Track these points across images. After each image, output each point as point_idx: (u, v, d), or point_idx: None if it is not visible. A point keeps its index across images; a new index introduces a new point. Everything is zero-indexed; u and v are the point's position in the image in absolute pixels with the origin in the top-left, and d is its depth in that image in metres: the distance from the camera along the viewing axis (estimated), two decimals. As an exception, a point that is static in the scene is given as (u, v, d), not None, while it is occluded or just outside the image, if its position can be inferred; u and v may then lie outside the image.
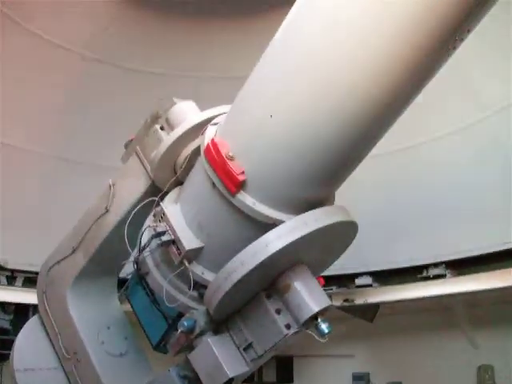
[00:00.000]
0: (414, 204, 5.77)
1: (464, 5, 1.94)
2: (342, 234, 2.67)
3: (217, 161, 2.47)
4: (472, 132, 5.47)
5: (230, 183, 2.44)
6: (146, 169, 3.12)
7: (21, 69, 5.66)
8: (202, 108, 3.01)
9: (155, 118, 3.16)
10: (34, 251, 4.65)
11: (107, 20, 6.02)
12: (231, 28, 6.10)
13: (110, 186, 3.26)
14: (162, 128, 3.12)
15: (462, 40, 2.09)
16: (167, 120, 3.10)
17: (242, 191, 2.46)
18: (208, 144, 2.55)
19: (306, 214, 2.46)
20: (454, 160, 5.63)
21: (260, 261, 2.36)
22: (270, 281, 2.56)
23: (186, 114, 3.05)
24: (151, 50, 6.19)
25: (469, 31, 2.07)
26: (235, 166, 2.43)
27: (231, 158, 2.45)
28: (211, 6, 6.05)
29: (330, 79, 2.17)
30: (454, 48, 2.11)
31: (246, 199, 2.47)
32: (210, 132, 2.67)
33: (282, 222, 2.45)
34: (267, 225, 2.46)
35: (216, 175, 2.49)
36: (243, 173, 2.43)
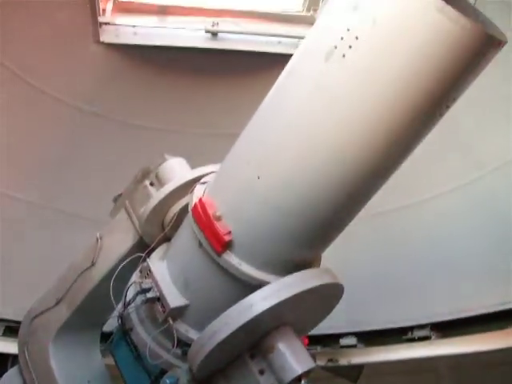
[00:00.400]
0: (405, 262, 5.74)
1: (449, 80, 2.01)
2: (328, 295, 2.69)
3: (204, 220, 2.50)
4: (471, 189, 5.46)
5: (216, 243, 2.46)
6: (134, 224, 3.13)
7: (21, 120, 5.68)
8: (203, 164, 3.05)
9: (145, 174, 3.20)
10: (16, 300, 4.64)
11: (108, 75, 6.08)
12: (233, 85, 6.16)
13: (98, 240, 3.26)
14: (151, 184, 3.15)
15: (448, 107, 2.16)
16: (157, 176, 3.14)
17: (228, 251, 2.48)
18: (196, 203, 2.59)
19: (293, 275, 2.48)
20: (450, 217, 5.63)
21: (244, 322, 2.36)
22: (254, 341, 2.55)
23: (176, 171, 3.11)
24: (151, 106, 6.22)
25: (454, 99, 2.13)
26: (222, 226, 2.45)
27: (218, 218, 2.48)
28: (213, 64, 6.13)
29: (317, 143, 2.21)
30: (441, 115, 2.18)
31: (232, 259, 2.49)
32: (199, 191, 2.71)
33: (267, 283, 2.47)
34: (253, 285, 2.48)
35: (203, 234, 2.51)
36: (230, 233, 2.45)
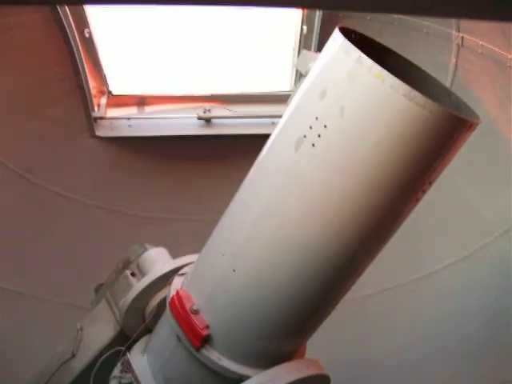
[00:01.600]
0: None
1: (422, 165, 2.01)
2: None
3: (181, 314, 2.49)
4: (475, 259, 5.40)
5: (193, 338, 2.44)
6: (114, 315, 3.13)
7: (23, 217, 5.70)
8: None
9: (126, 264, 3.23)
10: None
11: (106, 167, 6.20)
12: (230, 169, 6.20)
13: (78, 331, 3.24)
14: (132, 274, 3.18)
15: (424, 192, 2.14)
16: (138, 266, 3.17)
17: (207, 346, 2.46)
18: (173, 296, 2.58)
19: (273, 369, 2.46)
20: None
21: None
22: None
23: (156, 262, 3.13)
24: (151, 195, 6.29)
25: (430, 183, 2.12)
26: (199, 320, 2.44)
27: (195, 312, 2.46)
28: (208, 150, 6.24)
29: (289, 236, 2.21)
30: (418, 200, 2.15)
31: (211, 354, 2.46)
32: (176, 283, 2.70)
33: (248, 377, 2.44)
34: (235, 379, 2.46)
35: (180, 329, 2.50)
36: (207, 327, 2.43)
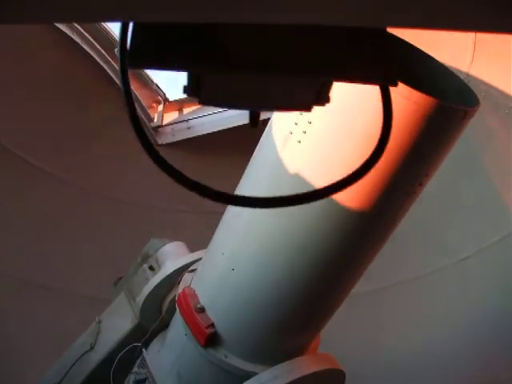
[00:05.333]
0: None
1: (415, 156, 1.93)
2: (325, 381, 2.61)
3: (187, 312, 2.50)
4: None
5: (199, 336, 2.46)
6: (132, 308, 3.13)
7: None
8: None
9: (145, 258, 3.24)
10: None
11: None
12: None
13: (97, 323, 3.27)
14: (151, 268, 3.17)
15: (422, 185, 2.07)
16: (157, 260, 3.16)
17: (213, 343, 2.46)
18: (179, 294, 2.60)
19: (279, 366, 2.45)
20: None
21: None
22: None
23: (173, 255, 3.12)
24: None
25: (428, 176, 2.05)
26: (203, 319, 2.45)
27: (200, 310, 2.47)
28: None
29: (283, 233, 2.20)
30: (415, 193, 2.08)
31: (218, 351, 2.47)
32: (185, 280, 2.72)
33: (255, 373, 2.44)
34: (243, 376, 2.45)
35: (187, 326, 2.51)
36: (212, 325, 2.44)
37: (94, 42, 5.45)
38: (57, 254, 5.68)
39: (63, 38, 5.14)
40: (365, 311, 5.43)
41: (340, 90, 1.89)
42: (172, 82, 6.37)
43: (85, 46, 5.34)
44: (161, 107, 6.36)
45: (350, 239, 2.15)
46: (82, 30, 5.29)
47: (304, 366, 2.49)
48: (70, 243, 5.80)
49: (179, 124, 6.34)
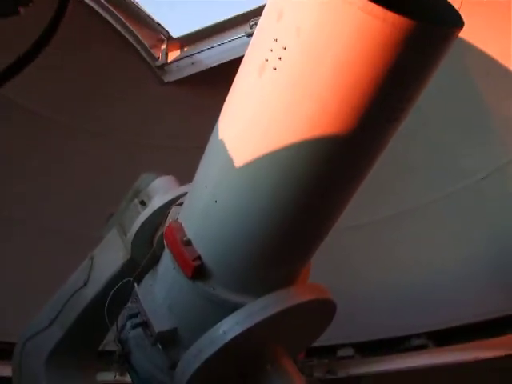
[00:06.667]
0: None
1: (391, 79, 1.83)
2: (316, 312, 2.63)
3: (173, 245, 2.50)
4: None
5: (186, 268, 2.44)
6: (124, 243, 3.11)
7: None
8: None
9: (136, 192, 3.19)
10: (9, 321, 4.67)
11: (188, 107, 6.29)
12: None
13: (89, 259, 3.26)
14: (142, 202, 3.12)
15: (403, 110, 1.97)
16: (148, 195, 3.12)
17: (200, 275, 2.45)
18: (166, 227, 2.59)
19: (268, 296, 2.43)
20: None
21: (216, 349, 2.34)
22: (244, 361, 2.52)
23: (163, 190, 3.08)
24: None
25: (409, 100, 1.95)
26: (190, 252, 2.42)
27: (186, 243, 2.45)
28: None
29: (263, 160, 2.12)
30: (396, 120, 2.01)
31: (206, 284, 2.45)
32: (173, 214, 2.70)
33: (243, 305, 2.42)
34: (232, 308, 2.44)
35: (175, 259, 2.51)
36: (198, 258, 2.41)
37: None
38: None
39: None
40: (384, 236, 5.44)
41: (312, 16, 1.81)
42: (175, 19, 6.30)
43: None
44: (164, 45, 6.33)
45: (335, 163, 2.10)
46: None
47: (294, 295, 2.47)
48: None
49: (184, 60, 6.30)
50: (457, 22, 1.82)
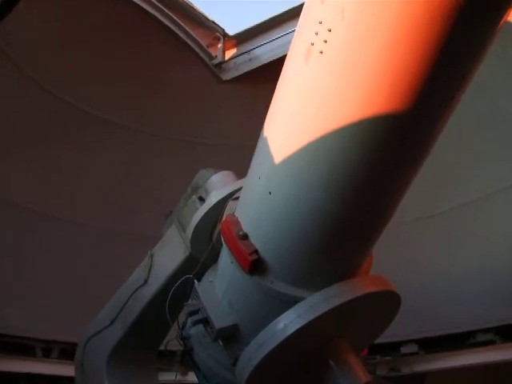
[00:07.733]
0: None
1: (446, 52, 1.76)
2: (380, 305, 2.56)
3: (230, 240, 2.46)
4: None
5: (243, 263, 2.40)
6: (183, 240, 3.08)
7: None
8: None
9: (194, 189, 3.16)
10: (70, 322, 4.69)
11: (248, 103, 6.21)
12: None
13: (149, 257, 3.25)
14: (200, 198, 3.09)
15: (459, 89, 1.90)
16: (206, 190, 3.08)
17: (258, 269, 2.41)
18: (223, 222, 2.56)
19: (329, 288, 2.37)
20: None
21: (277, 343, 2.30)
22: (306, 356, 2.48)
23: (221, 185, 3.02)
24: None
25: (464, 77, 1.87)
26: (246, 246, 2.39)
27: (243, 237, 2.41)
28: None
29: (315, 149, 2.08)
30: (453, 98, 1.92)
31: (264, 278, 2.41)
32: (230, 208, 2.66)
33: (303, 298, 2.36)
34: (291, 302, 2.38)
35: (232, 254, 2.47)
36: (255, 252, 2.37)
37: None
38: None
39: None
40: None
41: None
42: (229, 17, 6.32)
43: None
44: (221, 43, 6.25)
45: (389, 150, 2.03)
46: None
47: (356, 287, 2.40)
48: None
49: (241, 56, 6.24)
50: None
